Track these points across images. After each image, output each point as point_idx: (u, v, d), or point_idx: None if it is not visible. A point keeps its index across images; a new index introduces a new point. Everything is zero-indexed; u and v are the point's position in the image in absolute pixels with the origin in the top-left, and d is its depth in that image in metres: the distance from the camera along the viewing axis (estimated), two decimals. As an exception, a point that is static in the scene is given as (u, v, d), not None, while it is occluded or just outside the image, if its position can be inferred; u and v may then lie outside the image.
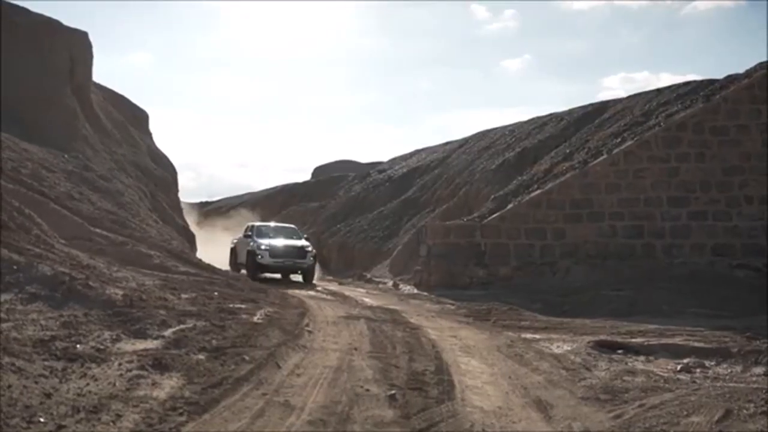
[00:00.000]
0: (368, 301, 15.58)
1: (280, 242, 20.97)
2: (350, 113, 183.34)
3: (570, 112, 28.92)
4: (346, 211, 34.75)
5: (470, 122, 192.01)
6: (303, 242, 21.33)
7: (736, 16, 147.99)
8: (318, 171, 59.04)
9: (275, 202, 43.17)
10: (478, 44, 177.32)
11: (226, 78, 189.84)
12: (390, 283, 20.55)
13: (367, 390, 6.31)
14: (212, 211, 44.61)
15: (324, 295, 16.28)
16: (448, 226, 19.82)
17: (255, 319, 9.26)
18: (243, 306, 10.23)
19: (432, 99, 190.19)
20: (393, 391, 6.28)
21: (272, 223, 25.16)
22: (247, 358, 6.91)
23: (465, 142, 34.82)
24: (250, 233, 21.82)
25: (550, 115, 30.34)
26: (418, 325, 10.82)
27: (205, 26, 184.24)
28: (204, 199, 56.63)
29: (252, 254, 20.36)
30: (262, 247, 20.36)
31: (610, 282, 16.42)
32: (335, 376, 6.74)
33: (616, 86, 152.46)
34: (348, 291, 18.27)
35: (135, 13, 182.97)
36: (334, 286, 20.35)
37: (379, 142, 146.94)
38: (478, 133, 34.98)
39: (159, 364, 6.20)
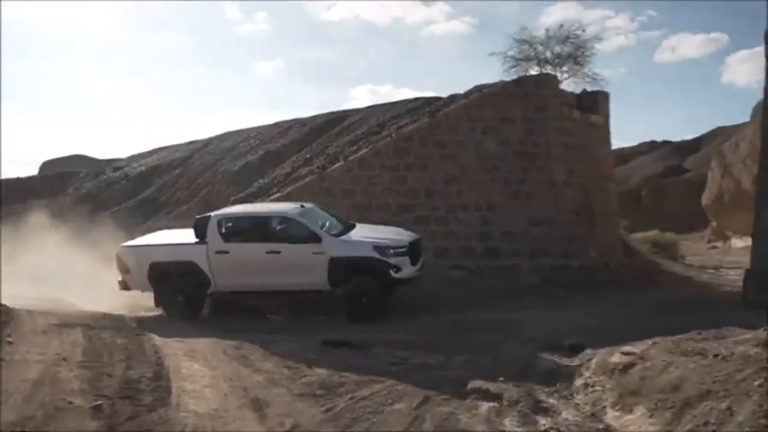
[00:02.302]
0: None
1: (387, 235, 13.54)
2: (90, 106, 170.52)
3: (313, 118, 29.62)
4: (77, 210, 32.11)
5: (222, 122, 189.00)
6: (407, 232, 14.35)
7: (466, 42, 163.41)
8: (47, 165, 54.10)
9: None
10: (230, 44, 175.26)
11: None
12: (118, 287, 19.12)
13: (70, 402, 5.90)
14: None
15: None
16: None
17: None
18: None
19: (182, 96, 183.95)
20: (99, 402, 5.95)
21: (309, 204, 14.67)
22: None
23: (209, 142, 34.02)
24: (308, 231, 12.58)
25: (294, 120, 30.81)
26: (142, 332, 10.34)
27: None
28: None
29: (375, 266, 12.34)
30: (390, 249, 12.47)
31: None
32: (33, 390, 6.18)
33: (363, 97, 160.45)
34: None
35: None
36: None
37: (121, 138, 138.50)
38: (222, 134, 34.47)
39: None
